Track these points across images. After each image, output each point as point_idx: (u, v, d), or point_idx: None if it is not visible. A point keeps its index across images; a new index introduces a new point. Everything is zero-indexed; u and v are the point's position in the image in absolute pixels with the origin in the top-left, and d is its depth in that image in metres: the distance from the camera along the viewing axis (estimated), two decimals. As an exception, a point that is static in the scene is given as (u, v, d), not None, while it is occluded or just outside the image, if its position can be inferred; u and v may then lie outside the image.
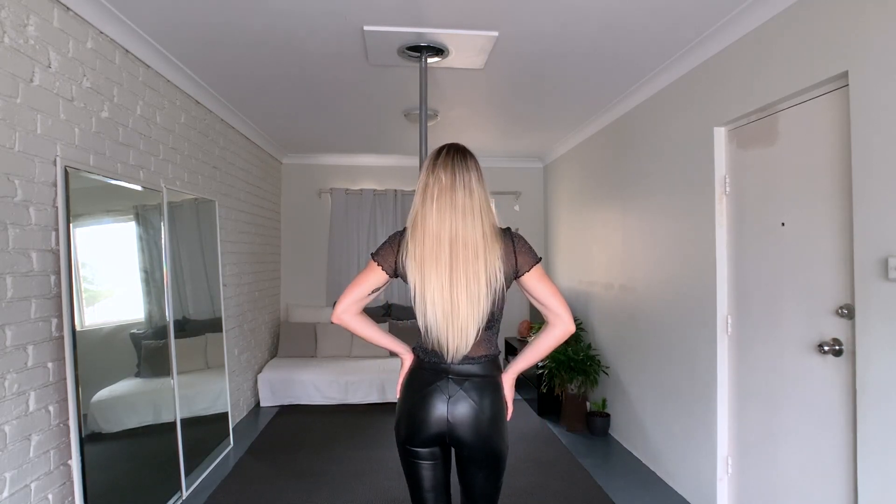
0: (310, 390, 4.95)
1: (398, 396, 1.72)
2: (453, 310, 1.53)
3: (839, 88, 2.07)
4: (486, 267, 1.54)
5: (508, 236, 1.62)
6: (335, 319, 1.66)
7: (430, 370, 1.63)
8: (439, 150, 1.64)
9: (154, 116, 3.07)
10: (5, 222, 1.97)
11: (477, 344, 1.60)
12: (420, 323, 1.59)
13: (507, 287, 1.61)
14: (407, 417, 1.64)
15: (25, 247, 2.07)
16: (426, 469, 1.67)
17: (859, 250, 1.93)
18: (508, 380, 1.71)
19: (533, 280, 1.61)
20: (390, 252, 1.63)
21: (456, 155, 1.61)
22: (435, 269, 1.54)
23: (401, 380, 1.73)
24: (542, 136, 5.11)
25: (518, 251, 1.60)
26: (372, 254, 1.66)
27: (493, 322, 1.63)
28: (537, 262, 1.62)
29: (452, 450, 1.68)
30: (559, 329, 1.63)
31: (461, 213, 1.55)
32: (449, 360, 1.59)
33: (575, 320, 5.26)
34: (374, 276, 1.64)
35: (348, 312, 1.65)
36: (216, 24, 2.65)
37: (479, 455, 1.62)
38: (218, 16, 2.56)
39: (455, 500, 1.81)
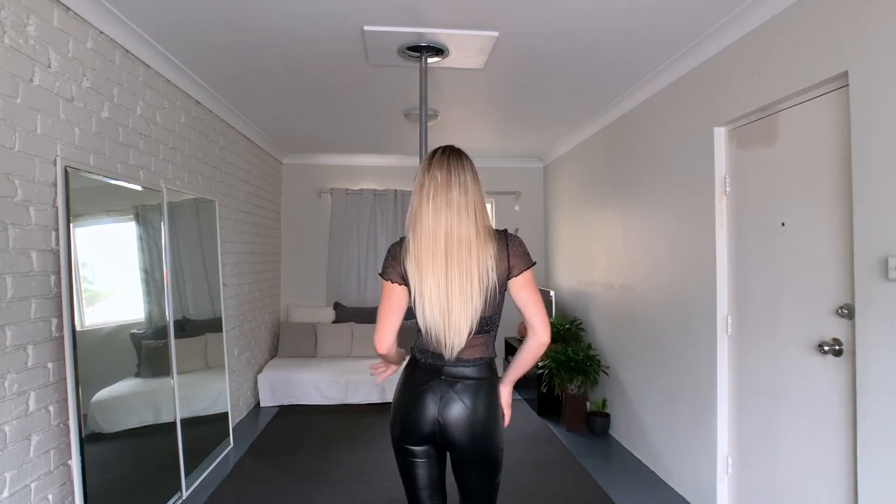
0: (310, 390, 4.95)
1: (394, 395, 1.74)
2: (449, 307, 1.55)
3: (839, 88, 2.07)
4: (479, 264, 1.55)
5: (504, 238, 1.62)
6: (384, 352, 1.69)
7: (424, 370, 1.65)
8: (434, 151, 1.66)
9: (154, 116, 3.07)
10: (5, 222, 1.97)
11: (472, 346, 1.61)
12: (420, 323, 1.60)
13: (503, 289, 1.62)
14: (400, 416, 1.66)
15: (25, 247, 2.07)
16: (421, 467, 1.68)
17: (859, 250, 1.93)
18: (504, 390, 1.72)
19: (518, 285, 1.61)
20: (394, 263, 1.64)
21: (451, 155, 1.63)
22: (431, 267, 1.55)
23: (391, 376, 1.80)
24: (542, 136, 5.11)
25: (512, 253, 1.60)
26: (380, 274, 1.67)
27: (489, 326, 1.63)
28: (528, 268, 1.62)
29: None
30: (532, 341, 1.63)
31: (456, 211, 1.56)
32: (447, 359, 1.60)
33: (575, 320, 5.24)
34: (395, 294, 1.64)
35: (395, 344, 1.70)
36: (216, 25, 2.66)
37: (472, 457, 1.62)
38: (218, 16, 2.56)
39: (455, 499, 1.81)
